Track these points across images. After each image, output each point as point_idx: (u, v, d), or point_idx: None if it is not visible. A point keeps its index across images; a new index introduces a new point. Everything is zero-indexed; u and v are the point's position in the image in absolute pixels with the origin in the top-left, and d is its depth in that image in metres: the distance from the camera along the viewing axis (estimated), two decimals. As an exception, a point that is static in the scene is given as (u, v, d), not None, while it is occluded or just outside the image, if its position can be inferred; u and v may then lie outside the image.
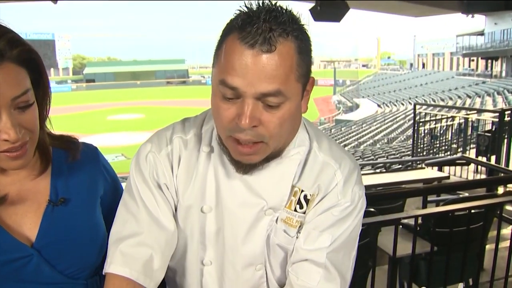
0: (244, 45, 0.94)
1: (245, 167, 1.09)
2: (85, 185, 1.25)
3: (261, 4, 0.98)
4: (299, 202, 1.15)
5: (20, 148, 1.06)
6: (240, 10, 0.99)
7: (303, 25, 1.01)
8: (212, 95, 1.04)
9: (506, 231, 4.26)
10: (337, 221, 1.14)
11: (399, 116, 37.57)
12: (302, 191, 1.15)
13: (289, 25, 0.96)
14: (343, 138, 29.99)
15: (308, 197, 1.15)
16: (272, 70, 0.95)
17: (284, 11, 0.97)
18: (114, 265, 1.10)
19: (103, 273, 1.12)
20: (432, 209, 3.11)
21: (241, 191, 1.13)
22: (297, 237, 1.16)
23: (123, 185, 1.36)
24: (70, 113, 47.14)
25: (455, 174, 6.96)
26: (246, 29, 0.94)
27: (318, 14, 8.97)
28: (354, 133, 32.20)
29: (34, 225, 1.16)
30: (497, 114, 7.61)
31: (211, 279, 1.21)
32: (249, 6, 0.98)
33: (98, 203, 1.28)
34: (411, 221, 2.98)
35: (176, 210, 1.19)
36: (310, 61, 1.03)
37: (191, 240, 1.19)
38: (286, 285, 1.17)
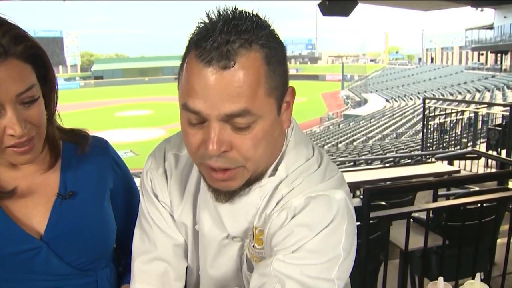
0: (201, 62, 0.84)
1: (224, 194, 0.98)
2: (94, 178, 1.26)
3: (221, 13, 0.87)
4: (255, 238, 1.03)
5: (27, 144, 1.07)
6: (201, 22, 0.88)
7: (272, 30, 0.89)
8: (180, 119, 0.94)
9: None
10: (288, 236, 0.94)
11: (407, 111, 37.41)
12: (256, 228, 1.02)
13: (253, 32, 0.85)
14: (352, 133, 29.93)
15: (257, 232, 1.02)
16: (235, 87, 0.84)
17: (247, 16, 0.87)
18: (133, 283, 1.16)
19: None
20: (444, 202, 3.10)
21: (208, 217, 1.07)
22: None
23: (136, 180, 1.39)
24: (79, 110, 47.36)
25: (465, 168, 6.92)
26: (201, 44, 0.84)
27: (327, 8, 8.93)
28: (363, 128, 32.10)
29: (43, 218, 1.17)
30: (507, 108, 7.55)
31: None
32: (210, 15, 0.87)
33: (107, 196, 1.29)
34: (422, 215, 2.97)
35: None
36: (284, 70, 0.91)
37: (192, 254, 1.19)
38: None
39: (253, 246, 1.04)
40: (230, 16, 0.86)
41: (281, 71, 0.90)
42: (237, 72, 0.83)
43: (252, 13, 0.88)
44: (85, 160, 1.26)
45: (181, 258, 1.18)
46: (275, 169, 1.00)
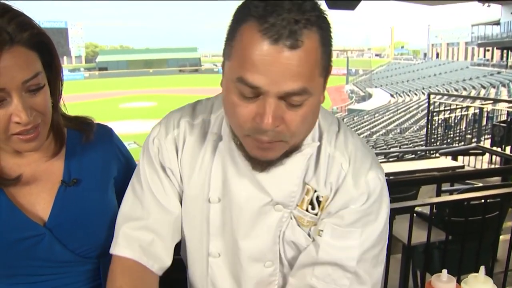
0: (267, 39, 0.83)
1: (262, 164, 1.00)
2: (98, 165, 1.26)
3: None
4: (311, 203, 1.07)
5: (32, 131, 1.07)
6: None
7: (324, 10, 0.90)
8: (225, 91, 0.95)
9: (521, 222, 4.21)
10: (361, 217, 1.05)
11: (412, 106, 37.32)
12: (315, 191, 1.07)
13: (313, 13, 0.85)
14: (356, 128, 29.86)
15: (320, 198, 1.07)
16: (298, 67, 0.85)
17: None
18: (118, 247, 1.13)
19: (111, 252, 1.15)
20: (447, 197, 3.09)
21: (247, 184, 1.07)
22: (311, 238, 1.09)
23: None
24: (83, 101, 47.34)
25: (469, 164, 6.88)
26: (268, 20, 0.83)
27: (333, 2, 8.88)
28: (367, 123, 32.05)
29: (47, 205, 1.18)
30: (513, 104, 7.51)
31: (220, 271, 1.17)
32: None
33: (111, 184, 1.29)
34: (425, 210, 2.96)
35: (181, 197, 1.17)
36: (331, 51, 0.94)
37: (195, 229, 1.16)
38: None
39: (306, 209, 1.08)
40: None
41: (330, 52, 0.93)
42: (301, 52, 0.85)
43: None
44: (89, 148, 1.26)
45: (172, 233, 1.16)
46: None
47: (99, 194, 1.25)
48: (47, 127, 1.13)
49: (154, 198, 1.13)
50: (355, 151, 1.08)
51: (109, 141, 1.32)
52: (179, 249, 1.24)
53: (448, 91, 38.73)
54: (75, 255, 1.19)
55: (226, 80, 0.94)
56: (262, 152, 0.96)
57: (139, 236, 1.12)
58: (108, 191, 1.27)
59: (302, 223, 1.09)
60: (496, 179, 4.57)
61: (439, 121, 9.38)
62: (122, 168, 1.33)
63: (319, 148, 1.07)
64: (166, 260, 1.14)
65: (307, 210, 1.08)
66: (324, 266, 1.06)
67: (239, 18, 0.89)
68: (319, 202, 1.07)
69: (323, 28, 0.88)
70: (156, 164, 1.14)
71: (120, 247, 1.12)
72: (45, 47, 1.09)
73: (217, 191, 1.11)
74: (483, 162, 7.01)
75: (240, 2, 0.90)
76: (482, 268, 1.05)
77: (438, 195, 3.58)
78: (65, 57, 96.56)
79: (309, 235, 1.09)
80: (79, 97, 50.64)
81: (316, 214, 1.08)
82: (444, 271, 1.06)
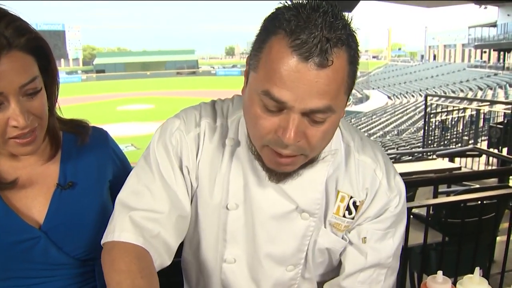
0: (297, 56, 0.83)
1: (278, 176, 1.02)
2: (93, 169, 1.27)
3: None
4: (348, 208, 1.11)
5: (29, 135, 1.08)
6: (285, 4, 0.88)
7: (352, 27, 0.89)
8: (248, 101, 0.94)
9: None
10: (396, 218, 1.14)
11: (409, 108, 37.33)
12: (351, 197, 1.11)
13: (344, 32, 0.85)
14: (353, 130, 29.81)
15: (357, 203, 1.11)
16: (325, 85, 0.85)
17: (338, 14, 0.86)
18: (126, 233, 1.03)
19: (108, 240, 1.05)
20: (444, 199, 3.09)
21: (270, 191, 1.07)
22: (345, 240, 1.14)
23: None
24: (80, 104, 47.31)
25: (466, 165, 6.90)
26: (299, 36, 0.83)
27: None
28: (364, 125, 32.03)
29: (42, 208, 1.18)
30: (509, 106, 7.54)
31: (234, 276, 1.15)
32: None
33: (107, 187, 1.29)
34: (422, 212, 2.96)
35: (192, 199, 1.13)
36: (357, 69, 0.93)
37: (210, 235, 1.14)
38: None
39: (344, 215, 1.11)
40: (322, 9, 0.85)
41: (356, 69, 0.92)
42: (329, 70, 0.84)
43: (338, 9, 0.87)
44: (85, 151, 1.26)
45: (179, 228, 1.10)
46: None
47: (94, 197, 1.25)
48: (43, 130, 1.13)
49: (167, 190, 1.07)
50: (381, 157, 1.15)
51: (105, 144, 1.32)
52: (179, 251, 1.21)
53: (446, 93, 38.82)
54: (70, 257, 1.19)
55: (250, 91, 0.93)
56: (280, 166, 0.97)
57: (147, 226, 1.04)
58: (103, 194, 1.27)
59: (339, 229, 1.12)
60: (493, 181, 4.59)
61: (436, 123, 9.40)
62: (118, 171, 1.33)
63: (347, 155, 1.12)
64: (166, 258, 1.08)
65: (344, 216, 1.11)
66: (369, 269, 1.14)
67: (269, 30, 0.88)
68: (356, 207, 1.11)
69: (352, 47, 0.88)
70: (173, 157, 1.09)
71: (130, 234, 1.03)
72: (42, 52, 1.10)
73: (235, 198, 1.09)
74: (480, 164, 7.02)
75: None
76: (477, 270, 1.05)
77: (435, 196, 3.57)
78: (62, 60, 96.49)
79: (342, 238, 1.13)
80: (77, 99, 50.60)
81: (352, 218, 1.12)
82: (440, 272, 1.06)
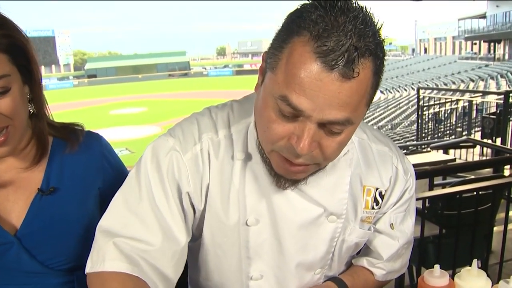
0: (321, 64, 0.77)
1: (285, 182, 0.97)
2: (79, 175, 1.23)
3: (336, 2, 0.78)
4: (375, 200, 1.13)
5: (0, 135, 1.04)
6: (311, 4, 0.80)
7: (379, 35, 0.83)
8: (262, 103, 0.88)
9: (514, 212, 4.22)
10: (412, 197, 1.21)
11: (402, 102, 37.42)
12: (377, 188, 1.13)
13: (372, 40, 0.79)
14: (347, 126, 29.89)
15: (383, 192, 1.14)
16: (347, 97, 0.80)
17: (368, 19, 0.80)
18: (116, 262, 0.94)
19: (92, 271, 0.97)
20: (439, 191, 3.08)
21: (294, 198, 1.03)
22: (371, 230, 1.18)
23: None
24: (73, 109, 46.99)
25: (461, 157, 6.91)
26: (326, 42, 0.76)
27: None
28: (358, 120, 32.09)
29: (21, 213, 1.15)
30: (501, 96, 7.55)
31: None
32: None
33: (93, 194, 1.25)
34: (418, 205, 2.95)
35: (197, 222, 1.07)
36: (381, 79, 0.87)
37: (231, 256, 1.08)
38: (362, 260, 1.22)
39: (372, 207, 1.13)
40: (352, 13, 0.78)
41: (380, 79, 0.87)
42: (354, 83, 0.79)
43: (368, 14, 0.81)
44: (73, 157, 1.23)
45: (174, 260, 1.00)
46: None
47: (77, 205, 1.21)
48: (17, 132, 1.10)
49: (159, 220, 0.98)
50: (391, 142, 1.19)
51: (96, 151, 1.28)
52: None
53: (438, 86, 38.96)
54: (44, 266, 1.15)
55: (266, 92, 0.87)
56: (290, 174, 0.94)
57: (134, 252, 0.96)
58: (88, 202, 1.23)
59: (369, 222, 1.15)
60: (488, 171, 4.59)
61: (429, 116, 9.41)
62: (110, 178, 1.28)
63: (363, 149, 1.12)
64: None
65: (373, 208, 1.14)
66: (401, 249, 1.23)
67: (292, 29, 0.81)
68: (382, 196, 1.14)
69: (379, 57, 0.83)
70: (167, 182, 0.99)
71: (121, 263, 0.94)
72: (19, 50, 1.06)
73: (254, 212, 1.03)
74: (474, 155, 7.04)
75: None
76: (475, 262, 1.03)
77: (430, 189, 3.57)
78: (53, 66, 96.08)
79: (369, 229, 1.19)
80: (69, 105, 50.32)
81: (380, 208, 1.16)
82: (437, 266, 1.04)
